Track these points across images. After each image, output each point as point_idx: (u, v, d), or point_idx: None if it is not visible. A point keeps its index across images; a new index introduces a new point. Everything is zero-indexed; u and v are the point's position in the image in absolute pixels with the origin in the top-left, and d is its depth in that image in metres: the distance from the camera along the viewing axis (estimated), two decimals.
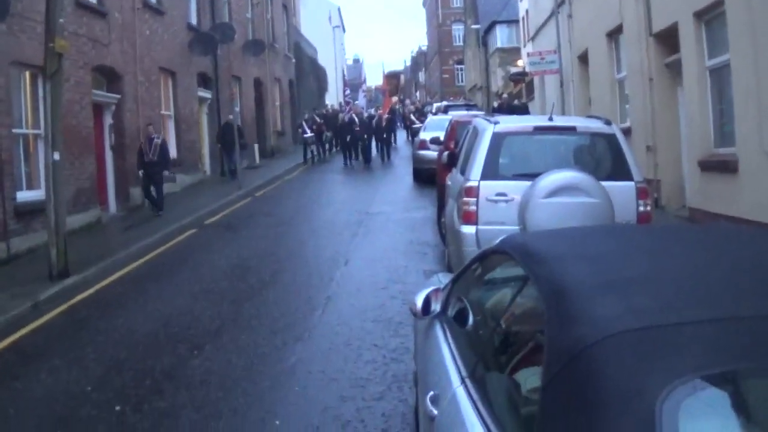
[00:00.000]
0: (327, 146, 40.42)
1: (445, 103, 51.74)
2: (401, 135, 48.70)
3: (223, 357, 9.18)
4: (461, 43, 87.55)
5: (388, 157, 36.62)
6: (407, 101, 60.76)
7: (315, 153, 38.10)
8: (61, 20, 13.64)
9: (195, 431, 7.10)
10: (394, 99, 55.10)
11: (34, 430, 7.37)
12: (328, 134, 39.59)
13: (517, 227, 9.47)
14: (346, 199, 23.79)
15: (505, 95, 33.75)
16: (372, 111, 46.56)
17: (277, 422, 7.20)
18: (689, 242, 4.16)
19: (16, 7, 15.27)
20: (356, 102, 50.18)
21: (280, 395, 7.88)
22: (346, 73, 46.70)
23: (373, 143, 37.11)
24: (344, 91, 54.05)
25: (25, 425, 7.50)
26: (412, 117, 43.82)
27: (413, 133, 39.68)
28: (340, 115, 39.71)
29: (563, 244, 4.11)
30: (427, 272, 12.56)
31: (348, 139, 35.54)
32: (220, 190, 25.47)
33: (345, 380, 8.20)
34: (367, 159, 35.44)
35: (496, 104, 36.54)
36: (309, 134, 36.90)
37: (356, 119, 36.25)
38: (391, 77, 55.64)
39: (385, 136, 37.23)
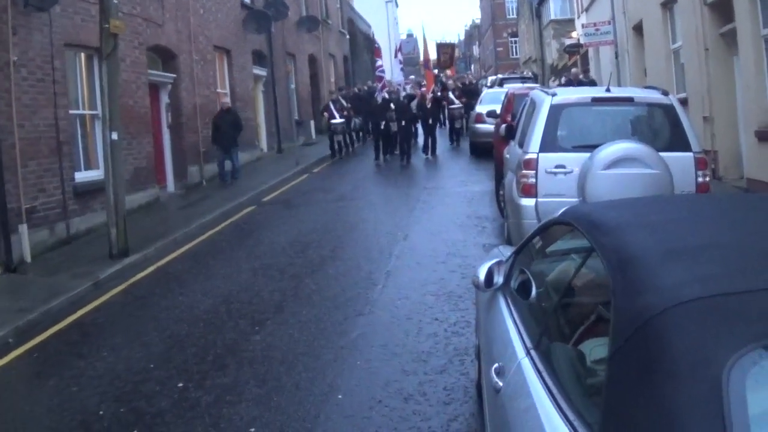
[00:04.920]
0: (355, 135, 32.75)
1: (500, 76, 50.95)
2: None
3: (285, 332, 9.19)
4: (515, 16, 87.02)
5: (433, 151, 27.65)
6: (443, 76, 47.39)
7: (343, 144, 29.95)
8: (115, 1, 13.68)
9: (258, 406, 7.08)
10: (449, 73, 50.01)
11: (97, 407, 7.38)
12: (357, 120, 31.74)
13: (576, 199, 9.40)
14: (404, 174, 23.62)
15: (574, 69, 31.19)
16: (409, 89, 34.76)
17: (340, 396, 7.18)
18: (752, 210, 4.12)
19: None
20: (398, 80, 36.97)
21: (342, 369, 7.86)
22: (401, 48, 41.39)
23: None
24: (375, 63, 38.10)
25: (88, 402, 7.52)
26: (452, 96, 31.16)
27: (451, 117, 31.31)
28: (376, 95, 30.11)
29: (627, 214, 4.08)
30: (486, 246, 12.49)
31: (382, 126, 27.20)
32: (278, 167, 25.50)
33: (407, 354, 8.19)
34: (405, 153, 26.32)
35: (563, 80, 33.27)
36: (338, 120, 28.77)
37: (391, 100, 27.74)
38: (445, 47, 51.09)
39: (430, 122, 27.98)
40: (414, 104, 27.75)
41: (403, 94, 29.83)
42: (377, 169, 25.33)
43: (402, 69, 36.59)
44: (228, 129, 22.64)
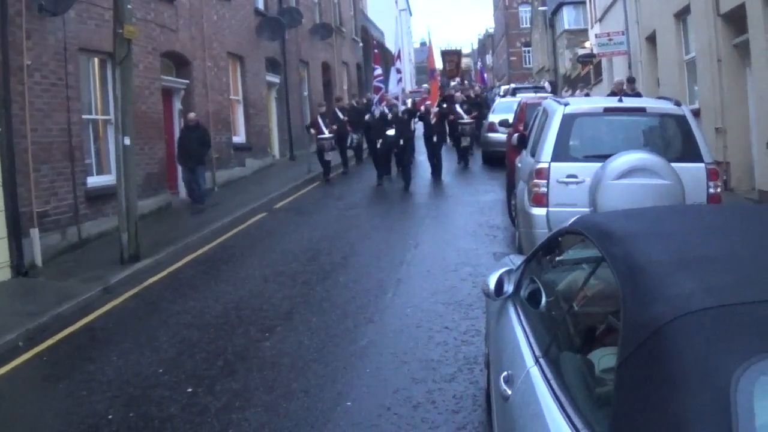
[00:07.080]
0: (352, 152, 28.86)
1: (513, 85, 50.77)
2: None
3: (295, 339, 9.20)
4: (528, 25, 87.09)
5: (438, 175, 23.77)
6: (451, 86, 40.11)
7: (334, 164, 25.70)
8: (129, 6, 13.70)
9: (267, 412, 7.09)
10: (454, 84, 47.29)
11: (106, 411, 7.39)
12: (355, 136, 28.09)
13: (587, 209, 9.42)
14: (415, 184, 23.47)
15: (617, 79, 27.85)
16: (407, 103, 28.49)
17: (349, 403, 7.18)
18: (762, 222, 4.12)
19: None
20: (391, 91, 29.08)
21: (351, 377, 7.87)
22: (413, 56, 38.18)
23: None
24: (373, 71, 32.72)
25: (98, 406, 7.52)
26: (459, 109, 27.04)
27: (458, 134, 26.80)
28: (373, 109, 27.00)
29: (638, 224, 4.10)
30: (497, 255, 12.48)
31: (379, 145, 23.67)
32: (290, 174, 25.50)
33: (416, 362, 8.18)
34: (406, 177, 22.19)
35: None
36: (326, 135, 24.64)
37: (389, 115, 23.94)
38: (450, 54, 47.26)
39: (435, 140, 23.88)
40: (414, 120, 24.11)
41: (402, 108, 24.81)
42: (388, 180, 24.45)
43: (400, 80, 30.38)
44: (194, 146, 19.25)
